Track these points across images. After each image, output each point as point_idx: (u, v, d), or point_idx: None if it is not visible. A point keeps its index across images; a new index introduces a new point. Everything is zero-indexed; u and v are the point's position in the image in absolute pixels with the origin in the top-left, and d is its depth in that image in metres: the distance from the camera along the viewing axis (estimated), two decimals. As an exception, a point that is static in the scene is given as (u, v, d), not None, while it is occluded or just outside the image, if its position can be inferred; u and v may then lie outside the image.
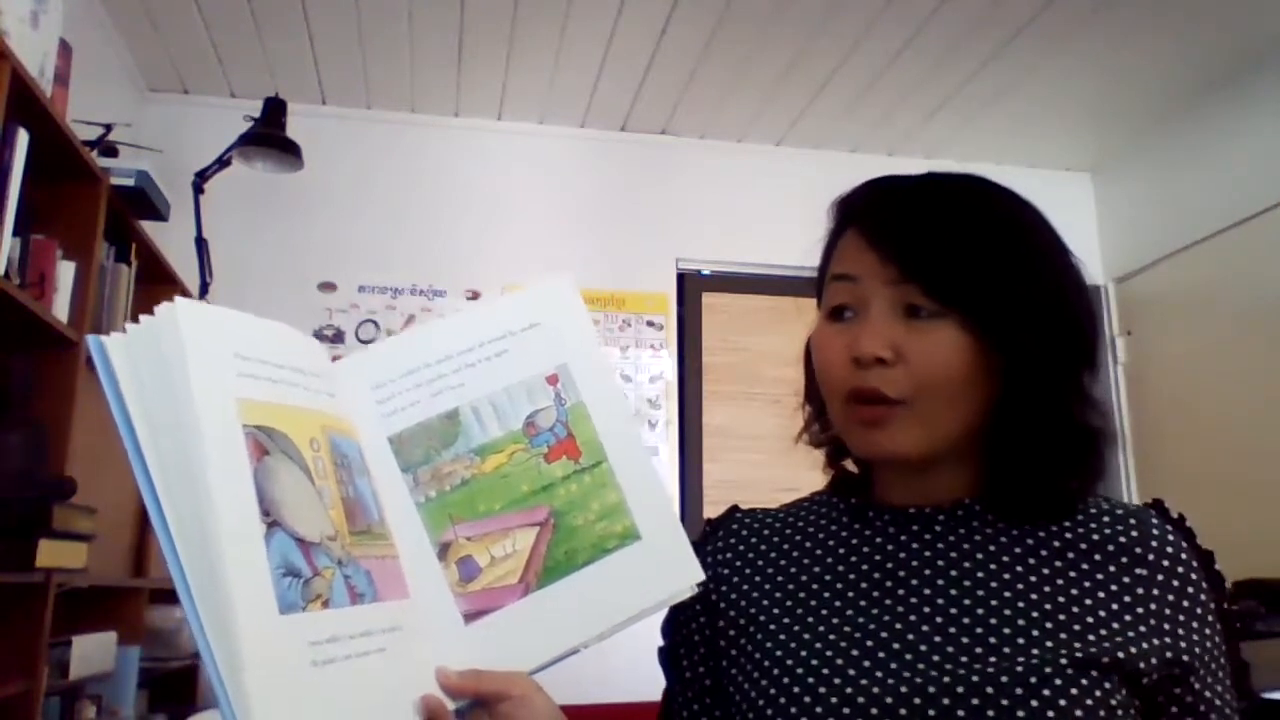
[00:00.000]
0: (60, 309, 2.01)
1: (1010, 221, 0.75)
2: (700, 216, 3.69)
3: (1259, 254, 3.13)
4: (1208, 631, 0.69)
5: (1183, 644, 0.68)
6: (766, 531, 0.83)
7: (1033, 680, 0.64)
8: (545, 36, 3.08)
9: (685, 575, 0.71)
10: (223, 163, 2.90)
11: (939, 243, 0.71)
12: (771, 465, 3.40)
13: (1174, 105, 3.45)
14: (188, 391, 0.55)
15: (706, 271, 3.72)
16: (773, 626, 0.75)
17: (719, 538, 0.84)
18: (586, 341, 0.75)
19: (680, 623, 0.82)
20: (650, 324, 3.57)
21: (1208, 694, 0.68)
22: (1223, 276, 3.29)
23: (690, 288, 3.69)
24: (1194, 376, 3.37)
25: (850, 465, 0.84)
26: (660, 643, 0.84)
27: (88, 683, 2.05)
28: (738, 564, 0.81)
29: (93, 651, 2.04)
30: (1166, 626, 0.68)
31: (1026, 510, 0.73)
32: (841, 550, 0.78)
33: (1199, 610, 0.70)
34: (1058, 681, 0.64)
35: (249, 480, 0.56)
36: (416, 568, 0.67)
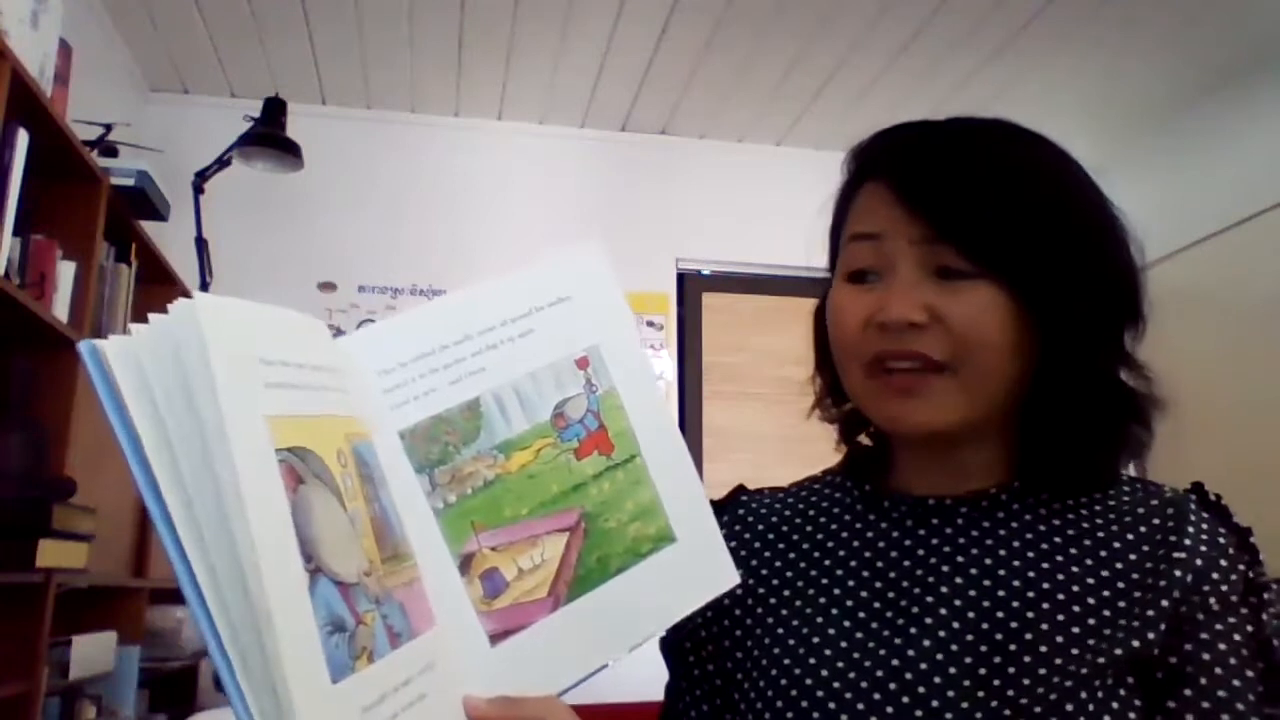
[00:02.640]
0: (60, 309, 2.01)
1: (1049, 171, 0.68)
2: (700, 216, 3.69)
3: (1259, 254, 3.13)
4: (1231, 620, 0.62)
5: (1204, 635, 0.61)
6: (775, 519, 0.76)
7: (1053, 696, 0.59)
8: (545, 37, 3.08)
9: (721, 578, 0.65)
10: (223, 163, 2.90)
11: (976, 198, 0.64)
12: (772, 465, 3.40)
13: (1174, 105, 3.45)
14: (218, 415, 0.44)
15: (706, 271, 3.72)
16: (781, 630, 0.69)
17: (724, 524, 0.76)
18: (620, 319, 0.66)
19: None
20: (650, 324, 3.57)
21: (1205, 655, 0.61)
22: (1223, 276, 3.29)
23: (690, 288, 3.70)
24: (1194, 377, 3.36)
25: (865, 439, 0.77)
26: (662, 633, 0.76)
27: (88, 683, 2.05)
28: (743, 554, 0.75)
29: (93, 651, 2.04)
30: (1184, 611, 0.62)
31: (1065, 486, 0.67)
32: (855, 544, 0.71)
33: (1224, 604, 0.62)
34: (1083, 694, 0.59)
35: (288, 520, 0.46)
36: (438, 586, 0.58)
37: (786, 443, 3.49)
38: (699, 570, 0.64)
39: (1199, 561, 0.63)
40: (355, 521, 0.52)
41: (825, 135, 3.69)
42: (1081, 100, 3.45)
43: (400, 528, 0.57)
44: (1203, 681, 0.60)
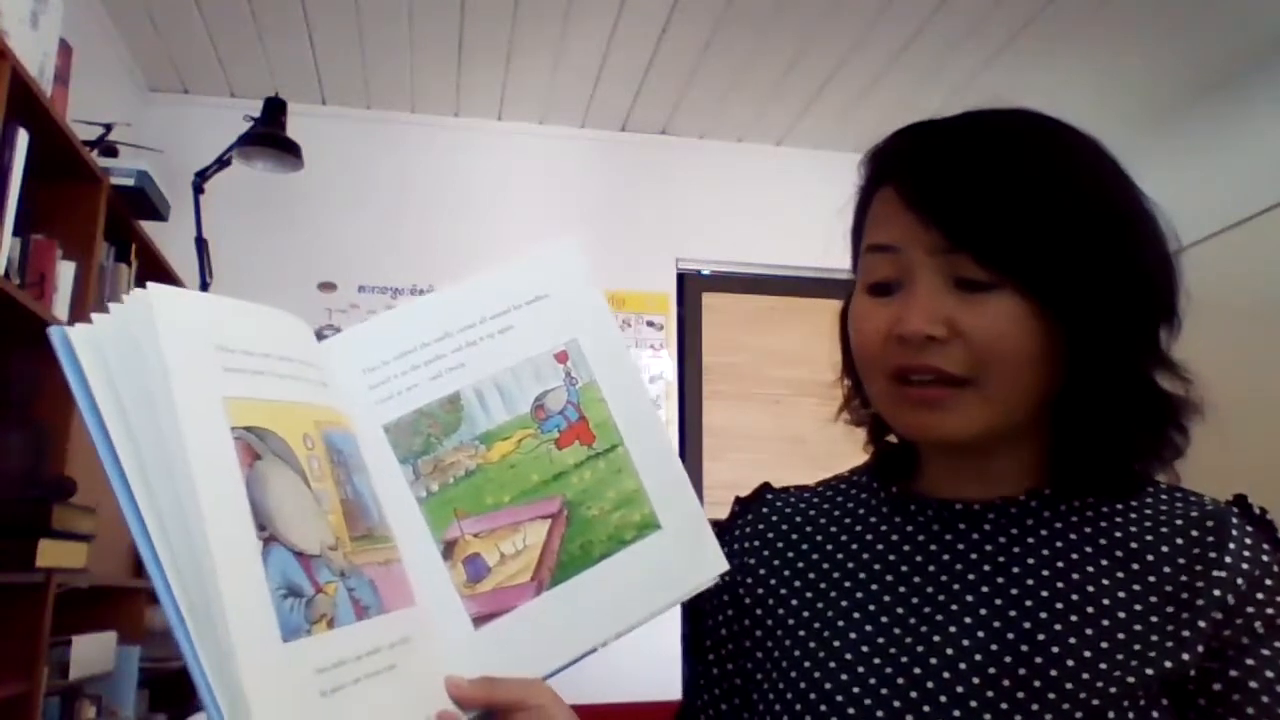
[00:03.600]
0: (60, 309, 2.01)
1: (1066, 166, 0.65)
2: (700, 216, 3.68)
3: (1259, 254, 3.13)
4: (1278, 645, 0.60)
5: (1250, 660, 0.59)
6: (799, 519, 0.75)
7: (1080, 714, 0.57)
8: (545, 36, 3.08)
9: (708, 566, 0.65)
10: (223, 163, 2.90)
11: (987, 203, 0.61)
12: (772, 465, 3.40)
13: (1174, 105, 3.45)
14: (168, 393, 0.49)
15: (706, 271, 3.72)
16: (802, 632, 0.67)
17: (747, 522, 0.77)
18: (598, 314, 0.68)
19: (703, 612, 0.75)
20: (650, 324, 3.57)
21: (1253, 683, 0.59)
22: (1223, 276, 3.28)
23: (690, 288, 3.69)
24: (1194, 377, 3.36)
25: (893, 438, 0.76)
26: (681, 629, 0.77)
27: (88, 683, 2.05)
28: (765, 554, 0.74)
29: (93, 651, 2.04)
30: (1227, 635, 0.60)
31: (1097, 492, 0.66)
32: (880, 546, 0.69)
33: (1270, 627, 0.60)
34: (1111, 715, 0.57)
35: (241, 491, 0.50)
36: (420, 570, 0.61)
37: (786, 443, 3.49)
38: (686, 557, 0.65)
39: (1240, 581, 0.60)
40: (322, 500, 0.55)
41: (825, 135, 3.68)
42: (1081, 100, 3.44)
43: (378, 511, 0.60)
44: (1250, 712, 0.58)
